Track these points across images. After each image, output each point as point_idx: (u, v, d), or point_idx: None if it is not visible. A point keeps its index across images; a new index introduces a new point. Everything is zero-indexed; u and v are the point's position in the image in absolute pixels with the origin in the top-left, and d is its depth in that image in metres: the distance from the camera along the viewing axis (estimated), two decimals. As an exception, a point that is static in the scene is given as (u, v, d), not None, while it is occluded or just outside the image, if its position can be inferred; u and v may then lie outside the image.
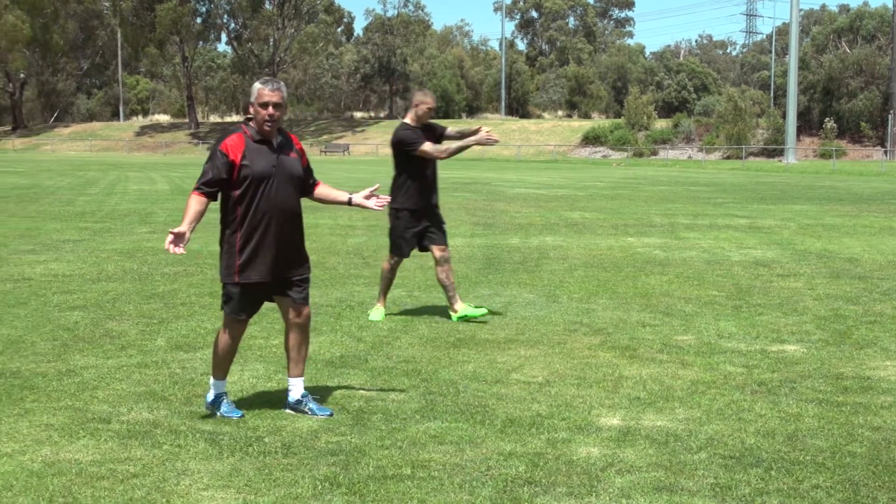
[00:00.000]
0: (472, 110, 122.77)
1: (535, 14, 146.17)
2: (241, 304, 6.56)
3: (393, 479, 5.36)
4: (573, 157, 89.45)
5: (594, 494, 5.17)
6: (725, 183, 43.51)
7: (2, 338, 8.94)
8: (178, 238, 6.32)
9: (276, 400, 6.93)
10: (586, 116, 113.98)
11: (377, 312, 10.17)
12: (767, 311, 10.68)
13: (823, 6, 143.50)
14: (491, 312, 10.31)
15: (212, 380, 6.67)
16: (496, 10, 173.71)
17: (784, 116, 79.00)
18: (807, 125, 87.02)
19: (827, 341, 9.10)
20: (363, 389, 7.28)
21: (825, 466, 5.61)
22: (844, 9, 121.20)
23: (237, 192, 6.45)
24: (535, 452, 5.82)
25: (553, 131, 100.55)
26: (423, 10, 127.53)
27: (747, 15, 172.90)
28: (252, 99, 6.53)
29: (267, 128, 6.49)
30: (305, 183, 6.80)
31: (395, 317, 10.18)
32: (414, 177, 9.97)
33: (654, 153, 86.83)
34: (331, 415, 6.55)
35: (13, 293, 11.43)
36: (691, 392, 7.26)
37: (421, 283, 12.44)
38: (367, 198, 6.87)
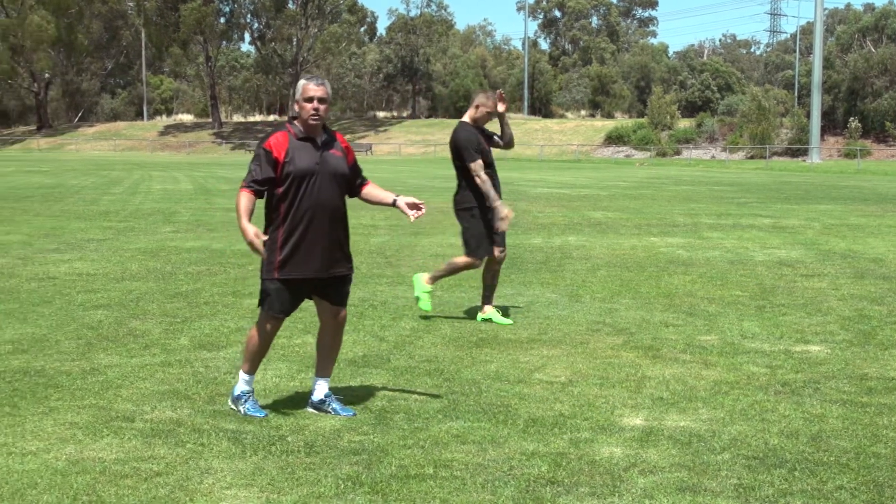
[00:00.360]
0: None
1: (557, 13, 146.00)
2: (279, 301, 6.52)
3: (415, 479, 5.36)
4: (596, 156, 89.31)
5: (617, 494, 5.16)
6: (749, 183, 43.35)
7: (27, 336, 8.99)
8: (256, 235, 6.36)
9: (298, 399, 6.94)
10: (609, 116, 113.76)
11: (496, 314, 10.07)
12: (791, 311, 10.64)
13: (848, 5, 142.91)
14: (505, 321, 10.29)
15: (241, 373, 6.68)
16: (519, 9, 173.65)
17: (808, 116, 78.66)
18: (831, 125, 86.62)
19: (851, 342, 9.05)
20: (386, 389, 7.28)
21: (849, 467, 5.59)
22: (869, 8, 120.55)
23: (280, 190, 6.44)
24: (558, 452, 5.81)
25: (576, 131, 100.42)
26: (445, 10, 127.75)
27: (771, 14, 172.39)
28: (297, 95, 6.54)
29: (312, 122, 6.49)
30: (351, 182, 6.77)
31: (417, 317, 10.18)
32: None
33: (678, 153, 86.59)
34: (353, 415, 6.55)
35: (38, 292, 11.49)
36: (714, 392, 7.23)
37: (443, 282, 12.42)
38: (410, 206, 6.81)
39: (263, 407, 6.65)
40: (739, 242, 17.57)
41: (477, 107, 9.91)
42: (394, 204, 6.87)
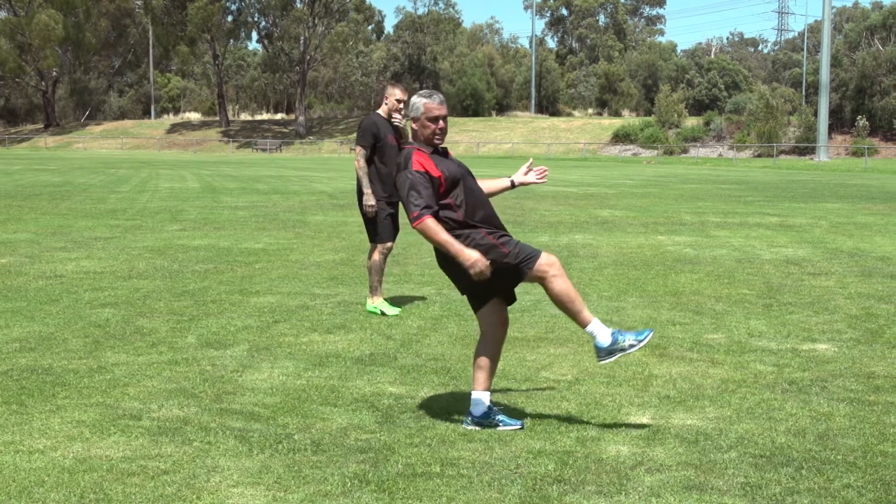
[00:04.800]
0: (502, 108, 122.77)
1: (565, 12, 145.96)
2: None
3: (422, 477, 5.36)
4: (603, 154, 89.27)
5: (623, 493, 5.16)
6: (756, 181, 43.30)
7: (34, 334, 9.00)
8: (480, 259, 6.11)
9: (305, 397, 6.94)
10: (616, 114, 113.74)
11: (386, 305, 10.30)
12: (798, 309, 10.63)
13: (856, 3, 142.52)
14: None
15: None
16: (526, 7, 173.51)
17: (816, 114, 78.57)
18: (839, 123, 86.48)
19: (858, 340, 9.04)
20: (392, 387, 7.29)
21: (856, 466, 5.58)
22: (878, 6, 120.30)
23: (450, 200, 6.28)
24: (565, 451, 5.81)
25: (583, 129, 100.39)
26: (453, 8, 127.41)
27: (779, 12, 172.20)
28: (417, 114, 6.38)
29: (437, 141, 6.39)
30: None
31: (424, 315, 10.19)
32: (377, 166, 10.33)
33: (685, 151, 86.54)
34: (521, 427, 6.30)
35: (45, 290, 11.51)
36: (721, 391, 7.23)
37: (449, 281, 12.43)
38: (526, 174, 6.90)
39: (268, 406, 6.66)
40: (746, 241, 17.55)
41: (386, 98, 10.25)
42: (513, 185, 7.10)
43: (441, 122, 6.37)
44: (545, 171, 6.97)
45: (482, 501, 5.05)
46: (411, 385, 7.35)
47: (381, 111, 10.30)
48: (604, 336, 6.22)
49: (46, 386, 7.21)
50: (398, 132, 10.23)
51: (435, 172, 6.24)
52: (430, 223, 6.09)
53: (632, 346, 6.17)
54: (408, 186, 6.21)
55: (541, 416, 6.51)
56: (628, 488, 5.22)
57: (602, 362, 6.28)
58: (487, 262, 6.09)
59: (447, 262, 6.36)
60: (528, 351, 8.53)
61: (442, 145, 6.49)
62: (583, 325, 6.26)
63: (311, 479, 5.33)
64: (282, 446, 5.86)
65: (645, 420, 6.46)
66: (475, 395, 6.34)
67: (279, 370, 7.76)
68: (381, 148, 10.19)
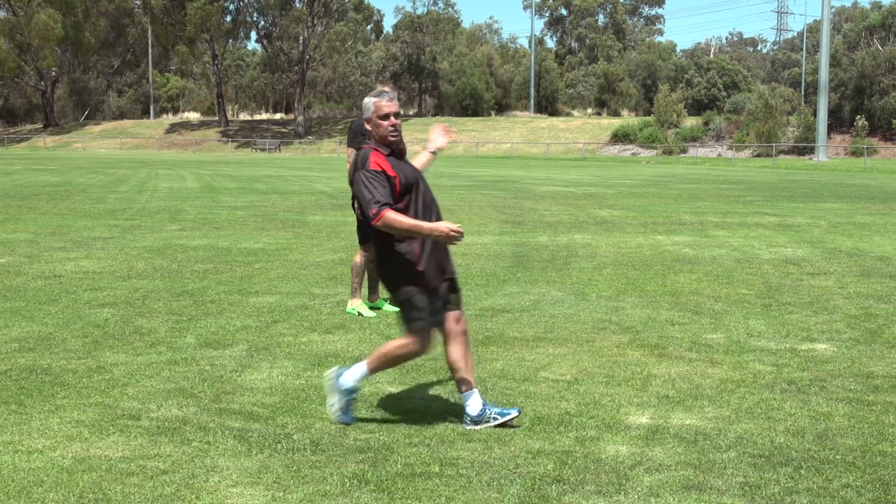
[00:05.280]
0: (501, 108, 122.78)
1: (564, 11, 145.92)
2: (436, 304, 6.34)
3: (421, 477, 5.36)
4: (602, 154, 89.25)
5: (623, 493, 5.16)
6: (755, 181, 43.31)
7: (33, 334, 9.00)
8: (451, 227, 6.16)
9: (304, 397, 6.95)
10: (616, 114, 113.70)
11: (364, 307, 10.32)
12: (797, 309, 10.63)
13: (855, 3, 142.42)
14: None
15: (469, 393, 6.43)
16: (526, 7, 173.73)
17: (815, 114, 78.59)
18: (838, 123, 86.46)
19: (857, 340, 9.04)
20: (391, 387, 7.29)
21: (855, 466, 5.58)
22: (877, 6, 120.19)
23: (402, 204, 6.29)
24: (564, 450, 5.81)
25: (582, 129, 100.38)
26: (452, 8, 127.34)
27: (778, 12, 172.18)
28: (368, 115, 6.42)
29: (392, 138, 6.41)
30: None
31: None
32: None
33: (684, 151, 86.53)
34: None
35: (44, 290, 11.51)
36: (720, 391, 7.23)
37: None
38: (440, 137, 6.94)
39: (268, 406, 6.66)
40: (745, 241, 17.55)
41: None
42: (435, 153, 7.05)
43: (392, 118, 6.40)
44: (445, 126, 6.96)
45: (481, 501, 5.05)
46: (410, 385, 7.35)
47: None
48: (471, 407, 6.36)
49: (45, 386, 7.21)
50: None
51: (391, 173, 6.28)
52: (391, 214, 6.14)
53: (495, 419, 6.28)
54: (364, 185, 6.24)
55: (540, 416, 6.52)
56: (627, 488, 5.22)
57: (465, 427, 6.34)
58: (458, 227, 6.18)
59: (388, 269, 6.41)
60: (528, 351, 8.52)
61: (400, 145, 6.51)
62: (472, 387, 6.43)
63: (311, 478, 5.33)
64: (281, 446, 5.86)
65: (644, 420, 6.46)
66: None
67: (278, 370, 7.76)
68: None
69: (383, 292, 10.70)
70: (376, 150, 6.37)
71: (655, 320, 9.94)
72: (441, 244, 6.33)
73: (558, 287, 12.07)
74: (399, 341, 6.37)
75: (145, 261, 14.18)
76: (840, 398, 7.02)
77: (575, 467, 5.53)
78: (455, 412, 6.59)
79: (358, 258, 10.45)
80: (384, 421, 6.42)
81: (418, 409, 6.70)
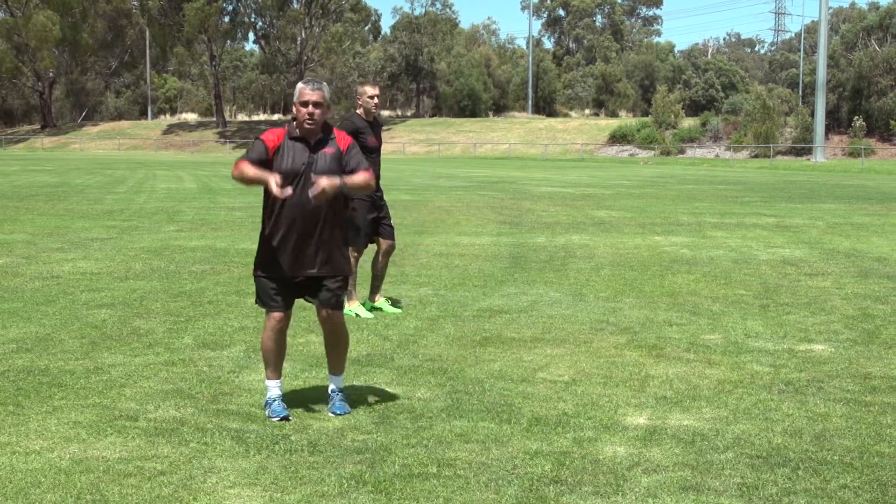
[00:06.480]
0: (499, 109, 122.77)
1: (562, 12, 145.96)
2: (265, 295, 6.58)
3: (419, 478, 5.36)
4: (600, 155, 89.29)
5: (620, 494, 5.16)
6: (753, 181, 43.33)
7: (30, 335, 9.00)
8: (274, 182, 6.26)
9: (301, 398, 6.94)
10: (613, 115, 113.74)
11: (361, 309, 10.28)
12: (795, 310, 10.63)
13: (853, 4, 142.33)
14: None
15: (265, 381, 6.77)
16: (523, 8, 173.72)
17: (812, 115, 78.60)
18: (835, 123, 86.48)
19: (855, 341, 9.04)
20: (389, 388, 7.29)
21: (853, 466, 5.59)
22: (874, 6, 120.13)
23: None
24: (561, 451, 5.81)
25: (580, 130, 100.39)
26: (450, 9, 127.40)
27: (776, 13, 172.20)
28: (294, 98, 6.53)
29: (307, 126, 6.46)
30: (345, 171, 6.55)
31: (421, 316, 10.19)
32: None
33: (682, 152, 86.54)
34: (347, 412, 6.59)
35: (42, 291, 11.50)
36: (718, 391, 7.23)
37: (447, 282, 12.45)
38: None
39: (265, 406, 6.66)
40: (743, 241, 17.56)
41: (359, 98, 10.25)
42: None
43: (310, 106, 6.44)
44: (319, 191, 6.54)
45: (479, 502, 5.05)
46: (408, 386, 7.35)
47: (360, 112, 10.26)
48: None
49: (43, 387, 7.20)
50: (379, 132, 10.27)
51: (270, 144, 6.46)
52: (245, 164, 6.40)
53: (270, 417, 6.50)
54: (252, 145, 6.58)
55: (537, 417, 6.52)
56: (625, 489, 5.22)
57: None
58: (278, 180, 6.24)
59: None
60: (525, 351, 8.52)
61: (316, 134, 6.51)
62: (266, 377, 6.77)
63: (308, 479, 5.33)
64: (279, 447, 5.86)
65: (641, 421, 6.46)
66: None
67: (276, 371, 7.74)
68: (362, 149, 10.11)
69: (383, 293, 10.70)
70: (285, 128, 6.56)
71: (653, 321, 9.94)
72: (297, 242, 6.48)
73: (556, 288, 12.07)
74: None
75: (143, 262, 14.17)
76: (838, 399, 7.03)
77: (572, 468, 5.53)
78: (455, 413, 6.59)
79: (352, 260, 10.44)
80: (381, 422, 6.41)
81: (416, 409, 6.70)
